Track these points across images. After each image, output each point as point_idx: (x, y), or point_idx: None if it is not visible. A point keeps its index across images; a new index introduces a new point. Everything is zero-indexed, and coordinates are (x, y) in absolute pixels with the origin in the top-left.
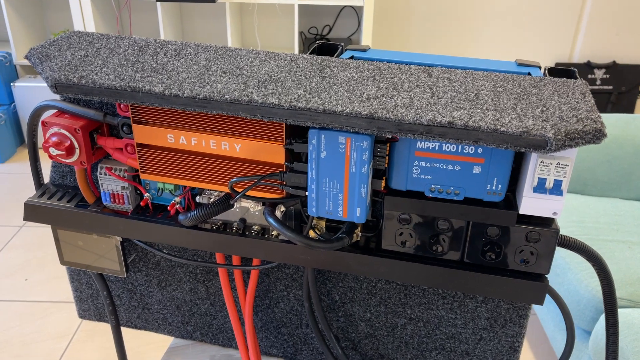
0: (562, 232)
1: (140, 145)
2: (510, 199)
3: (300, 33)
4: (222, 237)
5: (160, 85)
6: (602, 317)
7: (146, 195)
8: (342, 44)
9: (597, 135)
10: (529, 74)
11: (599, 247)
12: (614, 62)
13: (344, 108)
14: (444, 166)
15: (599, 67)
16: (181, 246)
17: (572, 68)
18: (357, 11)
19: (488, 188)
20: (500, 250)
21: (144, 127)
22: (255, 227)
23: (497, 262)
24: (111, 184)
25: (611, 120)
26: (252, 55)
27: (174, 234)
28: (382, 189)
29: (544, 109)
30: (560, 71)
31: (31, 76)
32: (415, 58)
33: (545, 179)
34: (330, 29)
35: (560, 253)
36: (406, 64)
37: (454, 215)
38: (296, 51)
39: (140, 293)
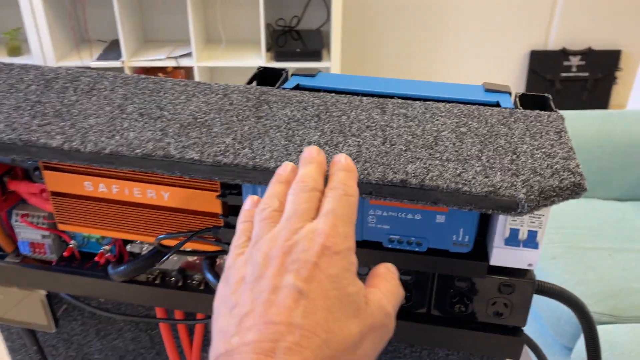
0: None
1: (54, 193)
2: (480, 248)
3: (268, 25)
4: (160, 291)
5: (59, 137)
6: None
7: (71, 243)
8: (287, 70)
9: (576, 190)
10: (498, 103)
11: (580, 256)
12: (590, 48)
13: (279, 163)
14: (403, 215)
15: (575, 53)
16: (114, 300)
17: (546, 95)
18: (326, 1)
19: (454, 239)
20: (471, 301)
21: (56, 173)
22: (197, 277)
23: (467, 314)
24: (29, 232)
25: (589, 118)
26: (179, 89)
27: (106, 287)
28: None
29: (514, 157)
30: (532, 99)
31: None
32: (370, 85)
33: (518, 229)
34: (299, 20)
35: (540, 264)
36: (358, 94)
37: (416, 267)
38: (263, 44)
39: (78, 343)
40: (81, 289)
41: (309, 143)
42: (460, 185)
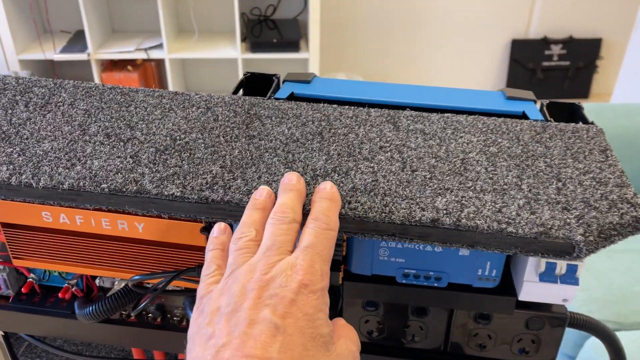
0: None
1: (6, 225)
2: (504, 278)
3: (242, 15)
4: (136, 330)
5: (4, 168)
6: (588, 344)
7: (30, 277)
8: (279, 75)
9: (637, 226)
10: (524, 113)
11: None
12: (571, 36)
13: None
14: (421, 247)
15: (556, 42)
16: (83, 341)
17: (577, 102)
18: None
19: (479, 273)
20: (493, 339)
21: (6, 202)
22: (178, 313)
23: (488, 351)
24: None
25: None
26: (153, 102)
27: (72, 327)
28: (340, 282)
29: (560, 184)
30: (561, 107)
31: None
32: (374, 92)
33: (555, 263)
34: (275, 9)
35: None
36: (362, 104)
37: (434, 303)
38: (238, 35)
39: None
40: (43, 329)
41: (313, 170)
42: (503, 225)
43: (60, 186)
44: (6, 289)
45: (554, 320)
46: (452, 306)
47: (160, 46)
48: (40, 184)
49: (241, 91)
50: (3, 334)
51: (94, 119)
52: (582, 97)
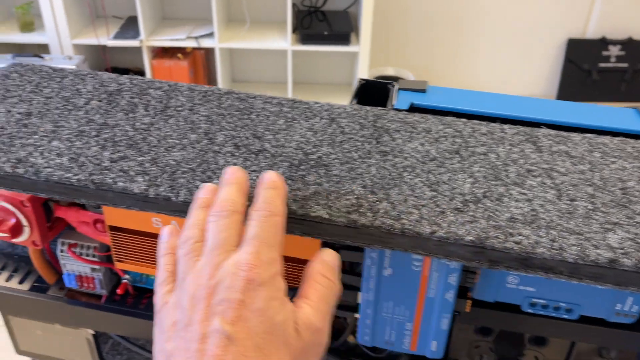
0: None
1: (113, 228)
2: None
3: (293, 5)
4: None
5: (140, 179)
6: None
7: (125, 278)
8: (393, 83)
9: None
10: None
11: None
12: (630, 38)
13: (435, 228)
14: None
15: (614, 43)
16: None
17: None
18: None
19: (617, 308)
20: None
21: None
22: None
23: None
24: (77, 264)
25: None
26: (273, 109)
27: None
28: (469, 309)
29: None
30: None
31: None
32: (498, 105)
33: None
34: (325, 1)
35: None
36: (491, 117)
37: (561, 335)
38: (289, 26)
39: None
40: (136, 331)
41: (462, 194)
42: None
43: None
44: (100, 289)
45: None
46: (581, 340)
47: (211, 35)
48: (180, 197)
49: (355, 100)
50: (94, 333)
51: (218, 126)
52: (639, 101)
